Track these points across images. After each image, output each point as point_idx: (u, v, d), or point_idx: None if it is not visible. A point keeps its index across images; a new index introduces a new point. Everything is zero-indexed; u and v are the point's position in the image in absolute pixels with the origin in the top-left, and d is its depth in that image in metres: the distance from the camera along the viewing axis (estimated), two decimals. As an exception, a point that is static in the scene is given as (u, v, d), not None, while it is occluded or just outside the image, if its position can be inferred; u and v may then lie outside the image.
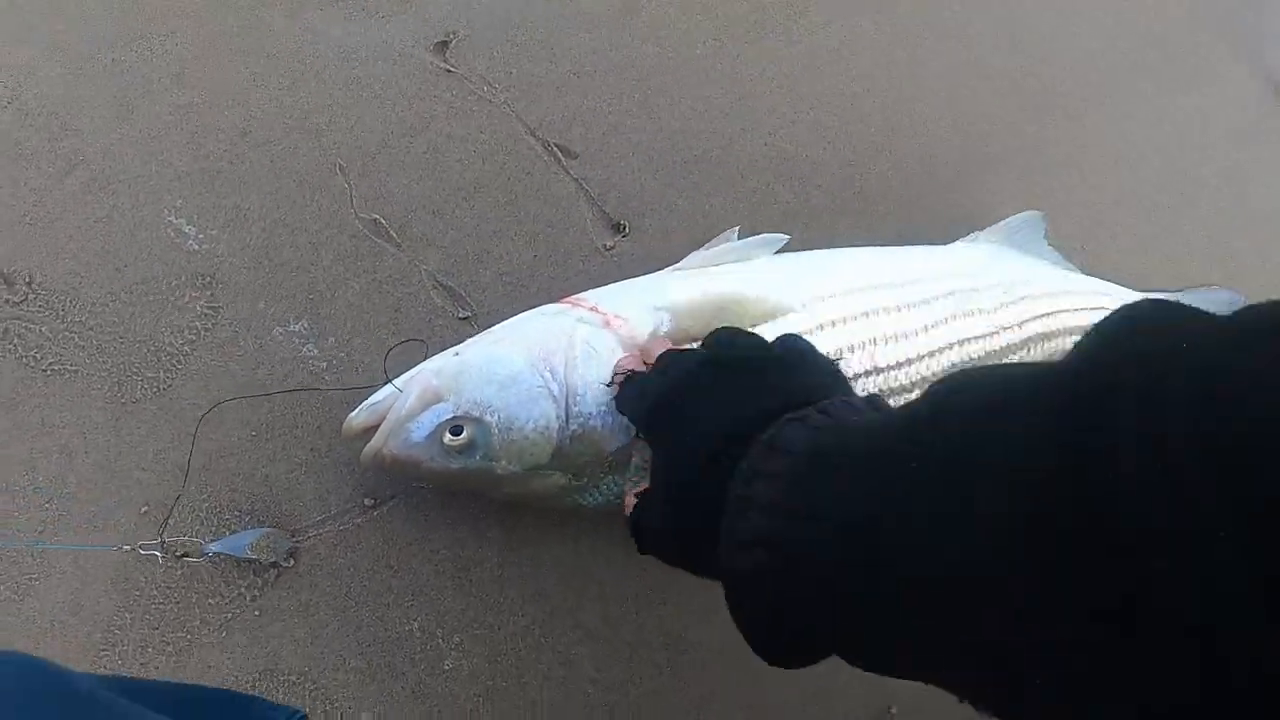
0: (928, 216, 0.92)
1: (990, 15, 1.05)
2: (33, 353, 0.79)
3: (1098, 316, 0.84)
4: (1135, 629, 0.26)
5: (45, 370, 0.79)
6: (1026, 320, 0.81)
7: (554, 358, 0.68)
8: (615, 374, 0.65)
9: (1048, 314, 0.81)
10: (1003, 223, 0.88)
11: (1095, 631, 0.27)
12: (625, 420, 0.66)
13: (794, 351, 0.55)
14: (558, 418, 0.67)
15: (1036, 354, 0.82)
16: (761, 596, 0.42)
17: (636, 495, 0.57)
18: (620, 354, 0.68)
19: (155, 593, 0.73)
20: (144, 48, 0.89)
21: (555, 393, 0.67)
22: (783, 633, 0.42)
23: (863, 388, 0.72)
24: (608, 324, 0.69)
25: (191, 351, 0.83)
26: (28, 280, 0.83)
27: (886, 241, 0.89)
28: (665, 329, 0.69)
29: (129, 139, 0.86)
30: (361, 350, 0.81)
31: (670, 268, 0.76)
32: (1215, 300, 0.99)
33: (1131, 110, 1.05)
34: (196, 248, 0.86)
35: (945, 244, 0.86)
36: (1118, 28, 1.10)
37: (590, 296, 0.72)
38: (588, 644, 0.74)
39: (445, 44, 0.93)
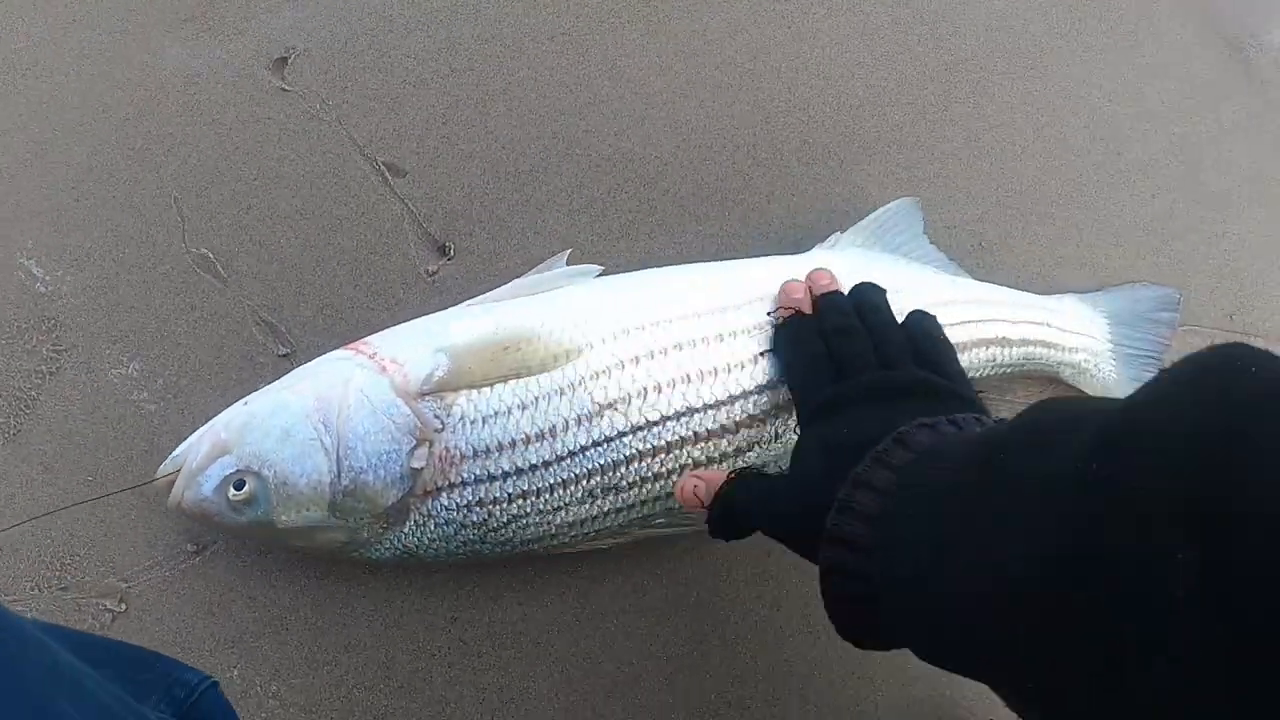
0: (793, 216, 0.83)
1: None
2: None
3: (989, 332, 0.75)
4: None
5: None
6: None
7: (329, 408, 0.64)
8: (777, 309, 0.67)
9: None
10: (871, 217, 0.79)
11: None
12: (400, 472, 0.62)
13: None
14: (330, 471, 0.64)
15: None
16: (849, 584, 0.44)
17: (733, 474, 0.57)
18: (398, 403, 0.64)
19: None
20: (2, 81, 0.88)
21: (327, 445, 0.64)
22: (862, 621, 0.46)
23: (674, 432, 0.66)
24: (384, 369, 0.65)
25: (38, 396, 0.83)
26: None
27: (744, 249, 0.81)
28: (440, 374, 0.64)
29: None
30: (189, 392, 0.80)
31: (477, 299, 0.71)
32: (1150, 298, 0.87)
33: (1049, 81, 0.93)
34: (44, 290, 0.85)
35: (802, 251, 0.78)
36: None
37: (375, 340, 0.68)
38: (400, 697, 0.72)
39: (284, 60, 0.89)
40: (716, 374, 0.67)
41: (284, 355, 0.79)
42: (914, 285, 0.76)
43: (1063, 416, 0.36)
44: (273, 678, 0.74)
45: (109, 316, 0.84)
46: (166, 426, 0.79)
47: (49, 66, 0.89)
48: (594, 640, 0.75)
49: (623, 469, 0.66)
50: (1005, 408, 0.83)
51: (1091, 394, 0.81)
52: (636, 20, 0.89)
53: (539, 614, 0.73)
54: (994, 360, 0.76)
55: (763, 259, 0.75)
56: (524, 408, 0.64)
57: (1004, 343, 0.76)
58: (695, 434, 0.66)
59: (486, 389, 0.64)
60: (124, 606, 0.77)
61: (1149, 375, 0.39)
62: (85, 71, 0.88)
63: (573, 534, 0.67)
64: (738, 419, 0.67)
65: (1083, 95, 0.93)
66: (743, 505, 0.56)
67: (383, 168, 0.83)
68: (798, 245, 0.79)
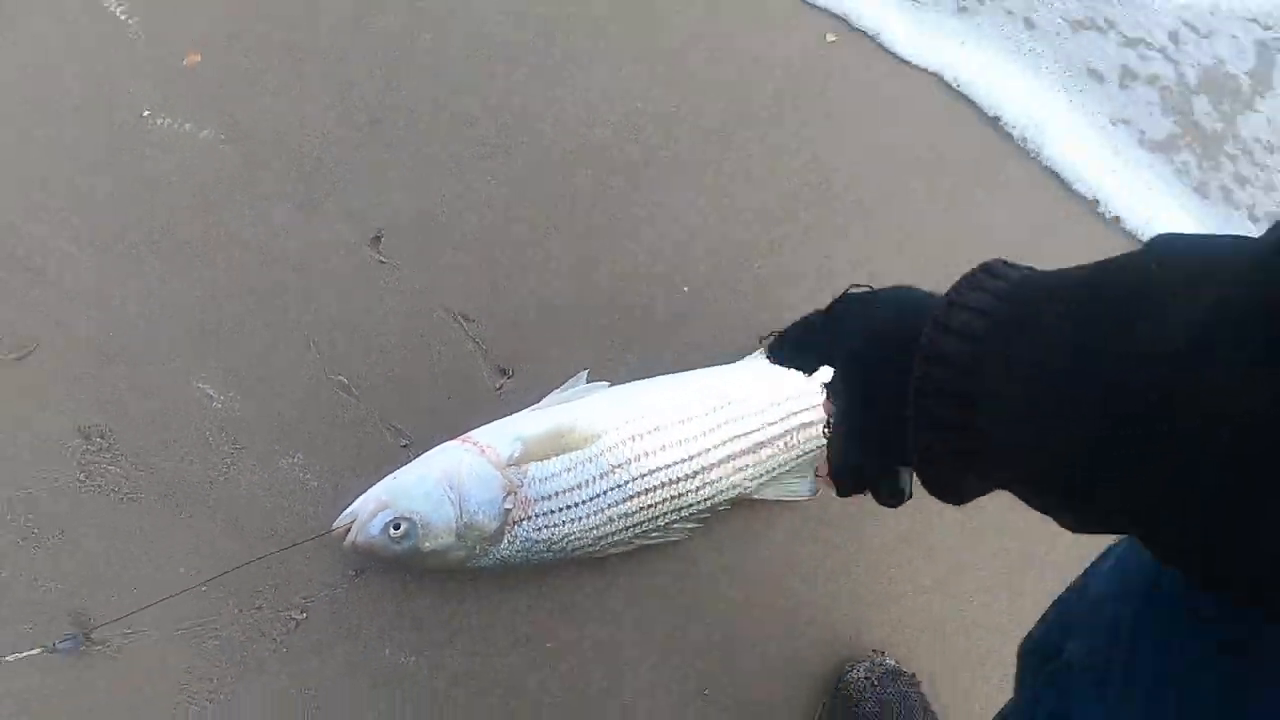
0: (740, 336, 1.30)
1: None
2: (110, 485, 1.22)
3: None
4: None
5: (121, 499, 1.21)
6: (788, 415, 1.18)
7: (452, 477, 1.09)
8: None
9: (807, 408, 1.18)
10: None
11: None
12: (497, 512, 1.07)
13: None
14: (455, 515, 1.07)
15: (798, 440, 1.18)
16: (944, 404, 0.45)
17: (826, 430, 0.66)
18: (494, 473, 1.09)
19: (224, 636, 1.16)
20: (158, 238, 1.31)
21: (453, 499, 1.08)
22: (952, 448, 0.46)
23: (658, 479, 1.12)
24: (482, 452, 1.10)
25: (224, 479, 1.25)
26: (101, 434, 1.25)
27: (702, 360, 1.27)
28: (517, 453, 1.09)
29: (165, 335, 1.28)
30: (340, 473, 1.23)
31: (531, 407, 1.16)
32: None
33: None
34: (219, 406, 1.28)
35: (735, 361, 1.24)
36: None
37: (475, 434, 1.12)
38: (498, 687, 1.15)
39: (378, 238, 1.34)
40: (680, 444, 1.13)
41: (404, 446, 1.23)
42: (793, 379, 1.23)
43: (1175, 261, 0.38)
44: (428, 663, 1.16)
45: (275, 425, 1.26)
46: (325, 498, 1.22)
47: (201, 241, 1.32)
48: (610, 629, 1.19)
49: (626, 503, 1.11)
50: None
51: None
52: (623, 220, 1.37)
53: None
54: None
55: (712, 369, 1.22)
56: (568, 470, 1.09)
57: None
58: (667, 480, 1.12)
59: (545, 460, 1.09)
60: (306, 615, 1.19)
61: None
62: (223, 238, 1.32)
63: (599, 545, 1.12)
64: (691, 471, 1.13)
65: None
66: (841, 314, 0.62)
67: (459, 316, 1.28)
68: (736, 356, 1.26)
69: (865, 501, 0.64)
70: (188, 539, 1.21)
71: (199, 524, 1.22)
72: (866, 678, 1.10)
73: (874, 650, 1.18)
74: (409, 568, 1.15)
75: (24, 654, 1.16)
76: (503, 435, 1.11)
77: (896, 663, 1.15)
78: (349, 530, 1.11)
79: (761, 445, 1.16)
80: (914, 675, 1.12)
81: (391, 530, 1.08)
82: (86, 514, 1.22)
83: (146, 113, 1.39)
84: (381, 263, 1.34)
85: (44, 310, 1.30)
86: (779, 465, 1.17)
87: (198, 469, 1.26)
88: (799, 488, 1.20)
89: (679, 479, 1.12)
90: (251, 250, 1.33)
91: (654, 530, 1.14)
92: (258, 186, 1.36)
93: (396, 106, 1.40)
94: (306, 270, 1.32)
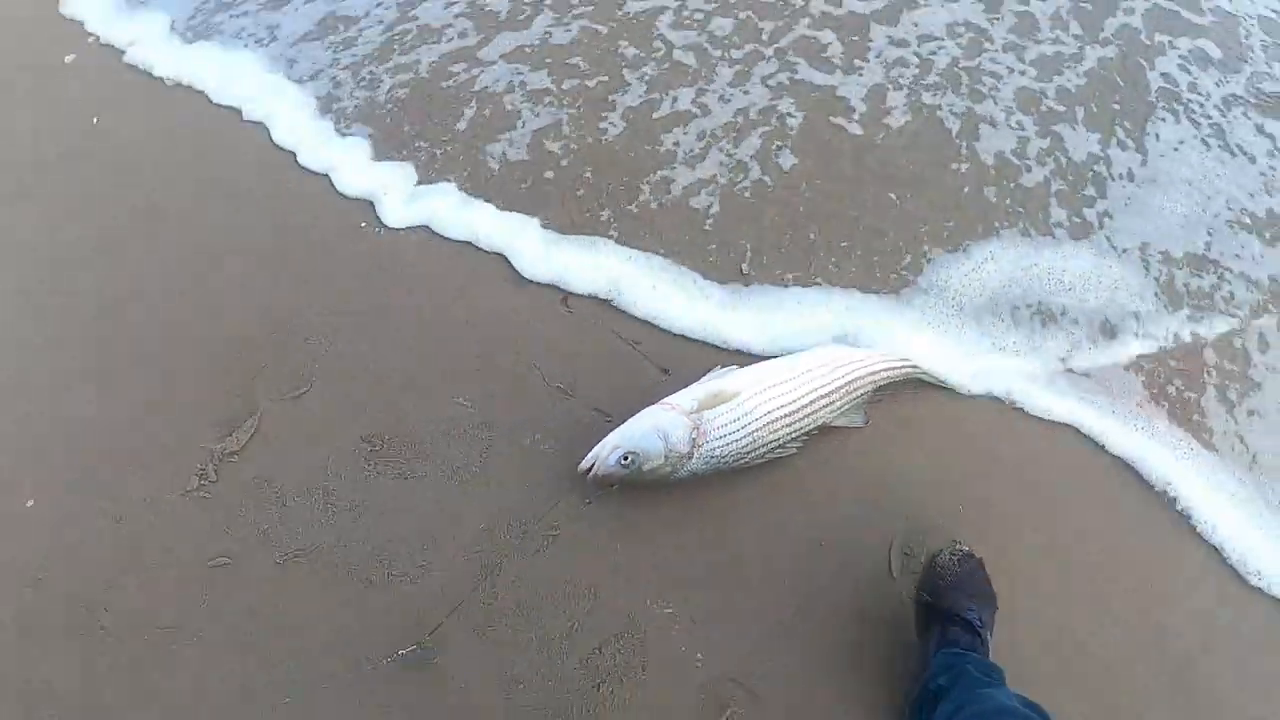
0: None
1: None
2: (394, 471, 1.90)
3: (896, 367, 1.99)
4: None
5: (404, 478, 1.89)
6: (845, 377, 1.95)
7: (658, 424, 1.81)
8: None
9: (857, 372, 1.95)
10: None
11: None
12: (690, 441, 1.79)
13: None
14: (663, 447, 1.79)
15: (853, 390, 1.95)
16: None
17: None
18: (683, 419, 1.82)
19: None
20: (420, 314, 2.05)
21: (660, 436, 1.79)
22: None
23: (776, 415, 1.86)
24: (673, 409, 1.83)
25: (489, 455, 1.94)
26: (381, 439, 1.94)
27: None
28: (694, 407, 1.83)
29: (430, 370, 2.00)
30: (570, 443, 1.94)
31: (698, 382, 1.91)
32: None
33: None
34: (474, 412, 1.98)
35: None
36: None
37: (666, 399, 1.86)
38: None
39: (566, 299, 2.11)
40: (787, 394, 1.89)
41: (608, 420, 1.95)
42: (837, 355, 2.02)
43: None
44: (636, 553, 1.84)
45: (516, 419, 1.98)
46: (560, 459, 1.92)
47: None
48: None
49: (760, 431, 1.84)
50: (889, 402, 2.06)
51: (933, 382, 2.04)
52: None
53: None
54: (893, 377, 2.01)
55: (795, 353, 2.00)
56: (726, 414, 1.82)
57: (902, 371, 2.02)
58: (781, 416, 1.86)
59: (711, 410, 1.83)
60: (558, 532, 1.86)
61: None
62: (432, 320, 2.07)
63: (747, 458, 1.84)
64: (795, 410, 1.88)
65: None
66: None
67: (630, 341, 2.05)
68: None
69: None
70: (469, 498, 1.88)
71: (473, 488, 1.90)
72: (951, 557, 1.75)
73: (954, 540, 1.84)
74: (633, 485, 1.84)
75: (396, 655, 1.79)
76: (684, 397, 1.85)
77: (968, 548, 1.80)
78: (591, 469, 1.80)
79: (832, 393, 1.92)
80: (980, 558, 1.73)
81: (623, 461, 1.79)
82: (376, 492, 1.89)
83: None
84: (570, 313, 2.11)
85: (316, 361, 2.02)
86: (843, 405, 1.93)
87: (464, 452, 1.95)
88: (857, 419, 1.96)
89: (788, 415, 1.86)
90: (491, 324, 2.09)
91: (777, 447, 1.87)
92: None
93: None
94: (526, 319, 2.09)
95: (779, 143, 2.58)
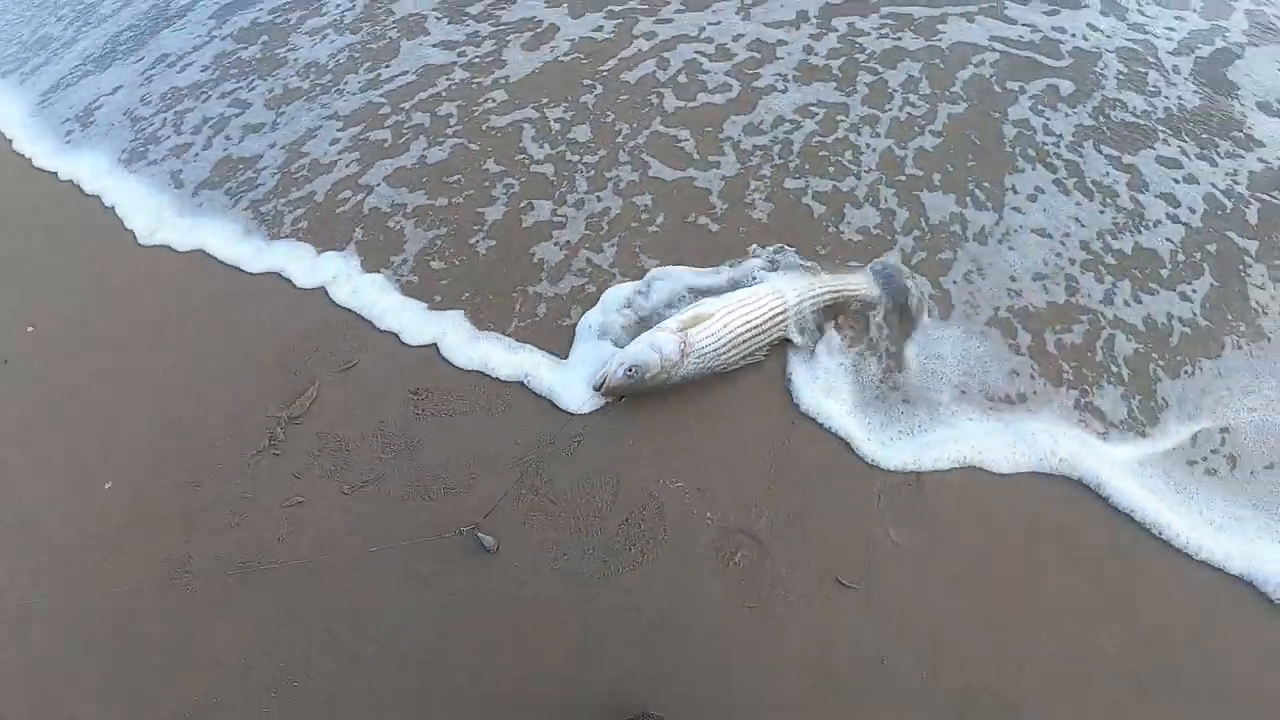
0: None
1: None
2: (440, 414, 2.32)
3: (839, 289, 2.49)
4: None
5: (450, 418, 2.31)
6: (793, 302, 2.44)
7: (653, 341, 2.28)
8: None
9: (799, 301, 2.45)
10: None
11: None
12: (680, 351, 2.26)
13: None
14: (659, 359, 2.25)
15: (797, 312, 2.44)
16: None
17: None
18: (673, 337, 2.28)
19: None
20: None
21: (656, 350, 2.26)
22: None
23: (743, 330, 2.34)
24: (664, 329, 2.30)
25: (511, 392, 2.37)
26: (427, 390, 2.37)
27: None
28: (679, 327, 2.30)
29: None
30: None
31: (682, 310, 2.39)
32: (880, 268, 2.67)
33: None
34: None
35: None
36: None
37: (663, 323, 2.33)
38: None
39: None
40: (748, 314, 2.37)
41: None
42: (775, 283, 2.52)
43: None
44: (638, 452, 2.27)
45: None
46: (567, 390, 2.36)
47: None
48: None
49: (732, 341, 2.32)
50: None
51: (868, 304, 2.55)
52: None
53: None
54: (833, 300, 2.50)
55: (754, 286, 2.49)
56: (705, 329, 2.30)
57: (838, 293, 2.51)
58: (747, 331, 2.34)
59: (693, 328, 2.31)
60: (581, 441, 2.29)
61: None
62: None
63: (725, 363, 2.31)
64: (755, 326, 2.37)
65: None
66: None
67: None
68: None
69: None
70: (503, 426, 2.31)
71: (505, 418, 2.33)
72: None
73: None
74: (639, 392, 2.28)
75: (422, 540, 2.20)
76: (672, 322, 2.33)
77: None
78: (604, 383, 2.26)
79: (785, 313, 2.41)
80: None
81: (628, 372, 2.25)
82: (425, 432, 2.31)
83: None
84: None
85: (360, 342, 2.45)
86: (793, 322, 2.42)
87: (499, 397, 2.38)
88: (807, 339, 2.44)
89: (754, 328, 2.35)
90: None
91: (748, 355, 2.34)
92: None
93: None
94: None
95: (638, 244, 2.78)
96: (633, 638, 1.98)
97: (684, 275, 2.64)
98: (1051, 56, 3.36)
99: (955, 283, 2.59)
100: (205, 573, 2.21)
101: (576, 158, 3.17)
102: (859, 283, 2.54)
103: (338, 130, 3.55)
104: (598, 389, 2.30)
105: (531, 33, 3.83)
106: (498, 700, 1.93)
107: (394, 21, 4.17)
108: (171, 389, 2.65)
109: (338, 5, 4.46)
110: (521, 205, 3.01)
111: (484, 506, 2.21)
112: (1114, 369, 2.38)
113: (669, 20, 3.76)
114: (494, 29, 3.92)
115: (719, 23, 3.71)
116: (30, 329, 3.01)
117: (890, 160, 2.96)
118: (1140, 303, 2.51)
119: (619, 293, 2.62)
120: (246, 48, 4.31)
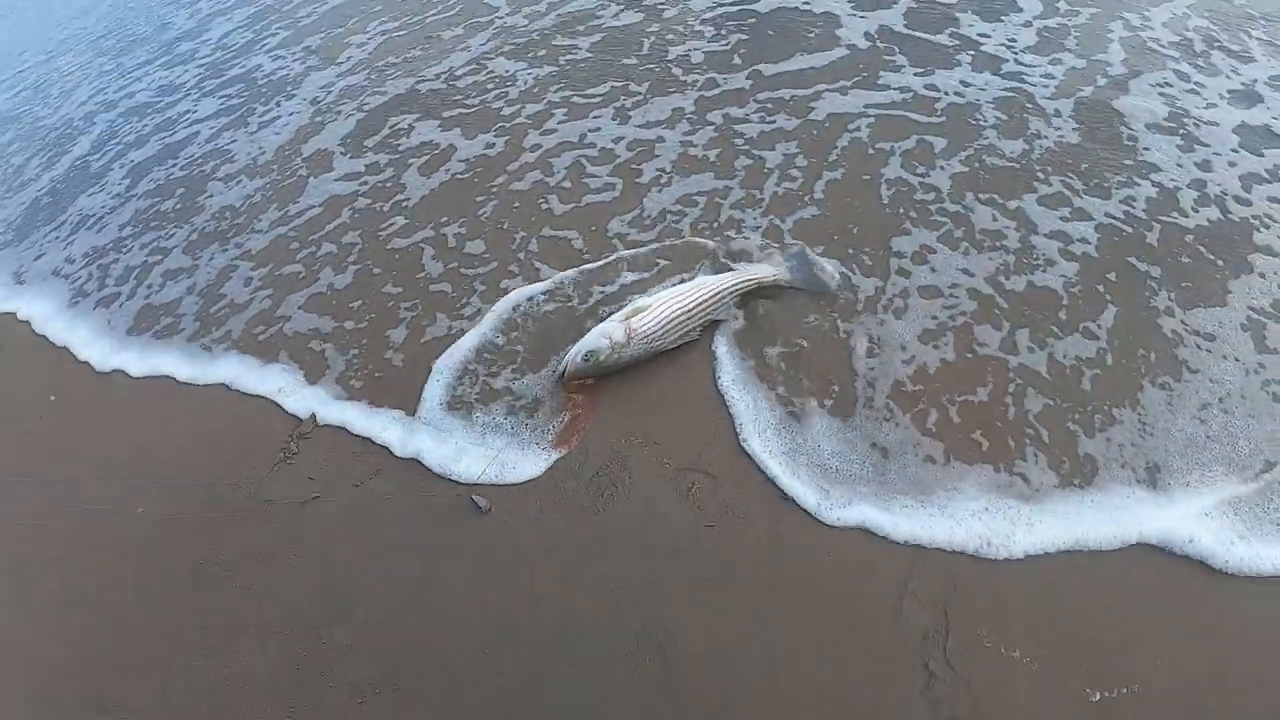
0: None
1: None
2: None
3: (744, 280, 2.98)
4: None
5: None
6: (719, 290, 2.86)
7: (603, 330, 2.73)
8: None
9: (729, 287, 2.89)
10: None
11: None
12: (626, 336, 2.60)
13: None
14: (610, 345, 2.66)
15: (727, 297, 2.85)
16: None
17: None
18: (620, 325, 2.64)
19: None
20: None
21: (606, 337, 2.68)
22: None
23: (677, 315, 2.74)
24: (612, 320, 2.69)
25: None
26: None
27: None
28: (624, 317, 2.69)
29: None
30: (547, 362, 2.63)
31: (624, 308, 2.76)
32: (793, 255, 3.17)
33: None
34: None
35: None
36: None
37: (613, 316, 2.73)
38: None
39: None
40: (681, 303, 2.79)
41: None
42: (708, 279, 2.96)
43: None
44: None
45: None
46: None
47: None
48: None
49: (670, 324, 2.76)
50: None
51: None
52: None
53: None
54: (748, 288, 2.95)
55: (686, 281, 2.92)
56: (645, 316, 2.74)
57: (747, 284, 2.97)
58: (680, 315, 2.77)
59: (635, 318, 2.71)
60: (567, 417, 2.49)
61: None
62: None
63: (665, 343, 2.74)
64: (686, 311, 2.78)
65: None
66: None
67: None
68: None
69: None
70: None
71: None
72: None
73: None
74: (596, 373, 2.64)
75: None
76: (618, 315, 2.74)
77: None
78: (565, 368, 2.58)
79: (710, 299, 2.84)
80: None
81: (584, 358, 2.60)
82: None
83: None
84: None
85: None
86: (718, 307, 2.85)
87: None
88: (730, 314, 2.86)
89: (686, 313, 2.79)
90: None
91: (684, 335, 2.74)
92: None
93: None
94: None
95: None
96: (617, 563, 2.30)
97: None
98: (925, 114, 3.54)
99: (855, 366, 2.64)
100: (229, 572, 2.48)
101: (471, 270, 3.38)
102: (771, 270, 3.01)
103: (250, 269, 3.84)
104: (560, 375, 2.55)
105: (428, 156, 4.17)
106: (507, 632, 2.21)
107: (302, 161, 4.52)
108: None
109: (248, 152, 4.80)
110: (424, 322, 3.21)
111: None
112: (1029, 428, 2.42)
113: (553, 130, 4.08)
114: (391, 157, 4.27)
115: (599, 129, 4.00)
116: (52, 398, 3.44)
117: (773, 234, 3.15)
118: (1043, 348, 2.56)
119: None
120: (163, 201, 4.65)
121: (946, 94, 3.68)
